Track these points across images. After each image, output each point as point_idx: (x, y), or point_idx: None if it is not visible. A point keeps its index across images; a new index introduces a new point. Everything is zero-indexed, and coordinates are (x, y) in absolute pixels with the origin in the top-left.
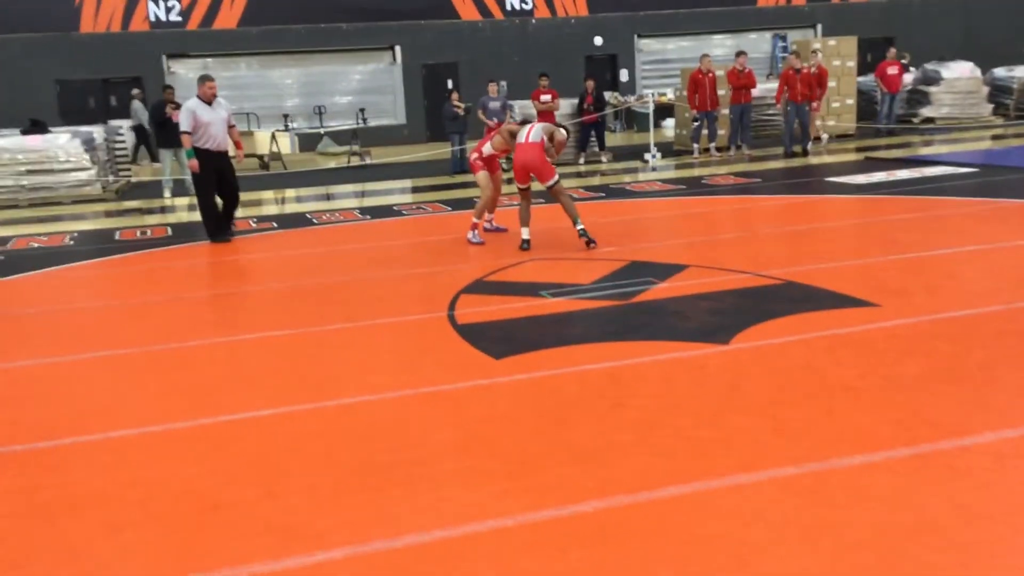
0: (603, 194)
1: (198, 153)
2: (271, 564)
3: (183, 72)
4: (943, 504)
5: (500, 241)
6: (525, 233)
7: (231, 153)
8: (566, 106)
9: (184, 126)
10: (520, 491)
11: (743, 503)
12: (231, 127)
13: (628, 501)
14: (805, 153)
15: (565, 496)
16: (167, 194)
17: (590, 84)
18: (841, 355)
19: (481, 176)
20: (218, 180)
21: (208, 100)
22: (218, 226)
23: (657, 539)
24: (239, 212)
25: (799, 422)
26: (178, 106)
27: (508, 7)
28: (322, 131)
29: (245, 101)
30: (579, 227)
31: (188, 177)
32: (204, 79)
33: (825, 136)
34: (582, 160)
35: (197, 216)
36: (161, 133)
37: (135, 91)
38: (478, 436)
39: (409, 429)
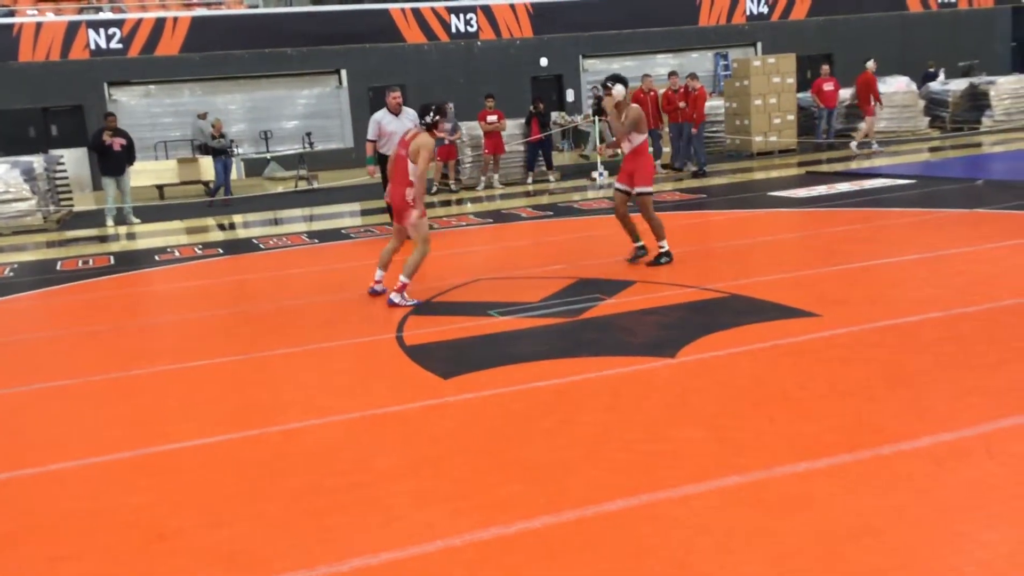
0: (551, 213)
1: (379, 158)
2: None
3: (125, 100)
4: (883, 508)
5: (450, 261)
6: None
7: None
8: (512, 126)
9: (369, 135)
10: (469, 510)
11: (689, 513)
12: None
13: (577, 516)
14: (699, 173)
15: (514, 513)
16: (110, 222)
17: (540, 105)
18: (784, 365)
19: (425, 223)
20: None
21: (394, 111)
22: None
23: (605, 552)
24: (244, 233)
25: (744, 432)
26: (116, 132)
27: (453, 30)
28: (268, 156)
29: (189, 128)
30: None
31: (129, 205)
32: (388, 90)
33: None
34: (530, 180)
35: (139, 244)
36: (102, 161)
37: (200, 112)
38: (426, 456)
39: (357, 452)
